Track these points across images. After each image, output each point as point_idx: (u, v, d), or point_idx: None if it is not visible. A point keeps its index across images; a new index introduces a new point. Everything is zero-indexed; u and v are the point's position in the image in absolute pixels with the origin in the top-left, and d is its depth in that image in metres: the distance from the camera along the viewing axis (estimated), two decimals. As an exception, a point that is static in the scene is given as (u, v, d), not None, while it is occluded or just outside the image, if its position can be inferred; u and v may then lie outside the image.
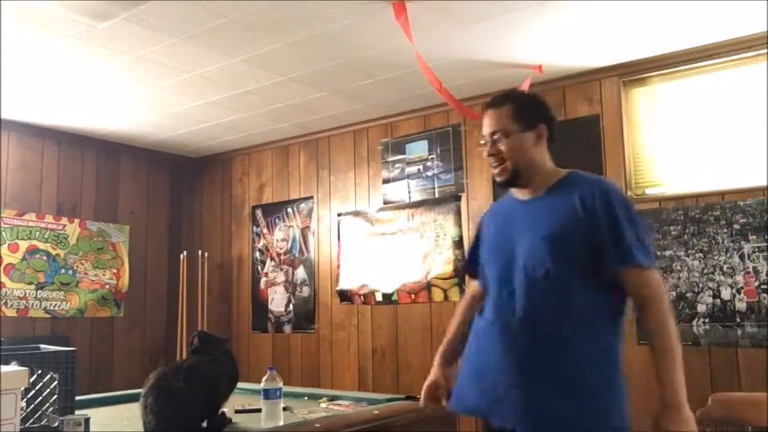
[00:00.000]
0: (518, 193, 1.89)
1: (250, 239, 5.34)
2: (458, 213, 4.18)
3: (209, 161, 5.70)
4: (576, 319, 1.68)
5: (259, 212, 5.31)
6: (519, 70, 3.65)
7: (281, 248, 5.12)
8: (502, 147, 1.83)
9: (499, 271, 1.82)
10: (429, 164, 4.39)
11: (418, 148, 4.45)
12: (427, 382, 2.01)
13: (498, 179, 1.87)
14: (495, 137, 1.85)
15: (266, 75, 3.75)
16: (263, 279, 5.20)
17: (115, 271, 5.14)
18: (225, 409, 2.19)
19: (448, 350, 2.03)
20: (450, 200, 4.24)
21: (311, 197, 4.99)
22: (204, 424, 2.07)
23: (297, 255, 5.01)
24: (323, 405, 2.69)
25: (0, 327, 4.30)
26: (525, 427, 1.64)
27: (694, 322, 3.30)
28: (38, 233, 4.71)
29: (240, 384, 2.27)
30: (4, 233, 4.53)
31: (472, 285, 2.10)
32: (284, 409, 2.31)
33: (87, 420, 1.84)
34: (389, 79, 3.85)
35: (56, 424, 1.92)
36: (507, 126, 1.83)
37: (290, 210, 5.11)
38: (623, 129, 3.66)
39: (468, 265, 2.11)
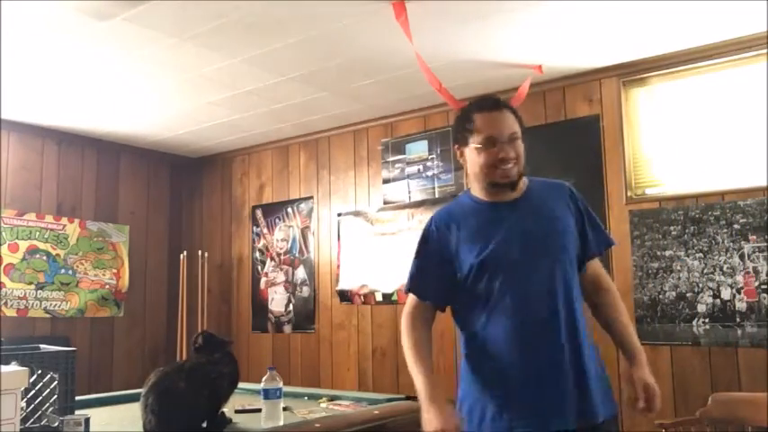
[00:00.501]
0: (492, 197, 1.84)
1: (250, 239, 5.34)
2: (458, 213, 4.17)
3: (209, 161, 5.70)
4: (580, 308, 1.81)
5: (259, 212, 5.31)
6: (519, 70, 3.65)
7: (281, 248, 5.12)
8: (518, 149, 1.80)
9: (513, 273, 1.74)
10: (429, 164, 4.39)
11: (418, 148, 4.46)
12: (449, 427, 1.65)
13: (505, 181, 1.79)
14: (512, 139, 1.80)
15: (266, 75, 3.75)
16: (263, 279, 5.20)
17: (115, 271, 5.14)
18: (225, 410, 2.19)
19: (437, 385, 1.75)
20: (450, 200, 4.22)
21: (311, 197, 4.99)
22: (204, 424, 2.07)
23: (297, 255, 5.01)
24: (323, 405, 2.69)
25: (0, 327, 4.30)
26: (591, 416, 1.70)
27: (694, 322, 3.30)
28: (38, 233, 4.71)
29: (240, 384, 2.27)
30: (4, 233, 4.53)
31: (420, 308, 1.85)
32: (284, 409, 2.32)
33: (87, 420, 1.84)
34: (389, 79, 3.85)
35: (56, 424, 1.92)
36: (518, 129, 1.83)
37: (290, 210, 5.11)
38: (623, 129, 3.66)
39: (419, 284, 1.86)
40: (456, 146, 1.91)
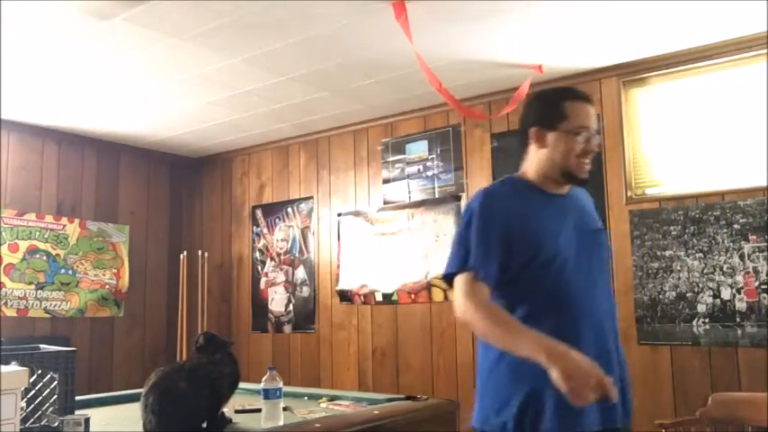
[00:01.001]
0: (548, 187, 1.80)
1: (250, 239, 5.35)
2: (458, 213, 4.18)
3: (209, 161, 5.70)
4: None
5: (259, 212, 5.31)
6: (519, 70, 3.65)
7: (281, 248, 5.12)
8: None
9: (577, 269, 1.70)
10: (429, 164, 4.39)
11: (418, 148, 4.46)
12: (599, 375, 1.48)
13: (583, 175, 1.78)
14: (595, 134, 1.78)
15: (266, 75, 3.74)
16: (263, 279, 5.20)
17: (115, 271, 5.14)
18: (225, 410, 2.19)
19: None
20: (450, 200, 4.24)
21: (311, 197, 4.99)
22: (204, 424, 2.07)
23: (297, 255, 5.01)
24: (323, 405, 2.69)
25: (0, 327, 4.30)
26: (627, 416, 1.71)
27: (694, 322, 3.30)
28: (38, 233, 4.71)
29: (240, 384, 2.27)
30: (4, 233, 4.53)
31: (481, 288, 1.66)
32: (284, 409, 2.32)
33: (87, 420, 1.84)
34: (389, 79, 3.85)
35: (56, 424, 1.92)
36: None
37: (290, 210, 5.11)
38: (623, 129, 3.66)
39: (484, 264, 1.66)
40: (536, 128, 1.79)
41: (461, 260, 1.69)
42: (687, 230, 3.38)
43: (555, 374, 1.46)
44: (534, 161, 1.81)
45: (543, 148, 1.79)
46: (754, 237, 3.19)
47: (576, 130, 1.75)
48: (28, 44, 3.27)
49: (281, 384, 2.21)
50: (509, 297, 1.68)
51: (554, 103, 1.79)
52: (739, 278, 3.21)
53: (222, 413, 2.16)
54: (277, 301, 5.08)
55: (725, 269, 3.25)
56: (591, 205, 1.93)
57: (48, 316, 4.70)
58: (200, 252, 5.28)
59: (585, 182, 1.79)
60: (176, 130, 4.90)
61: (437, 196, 4.32)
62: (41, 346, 2.24)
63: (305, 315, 4.89)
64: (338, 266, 4.73)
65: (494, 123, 4.07)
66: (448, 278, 1.73)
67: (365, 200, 4.69)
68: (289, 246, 5.08)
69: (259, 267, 5.24)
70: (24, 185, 4.69)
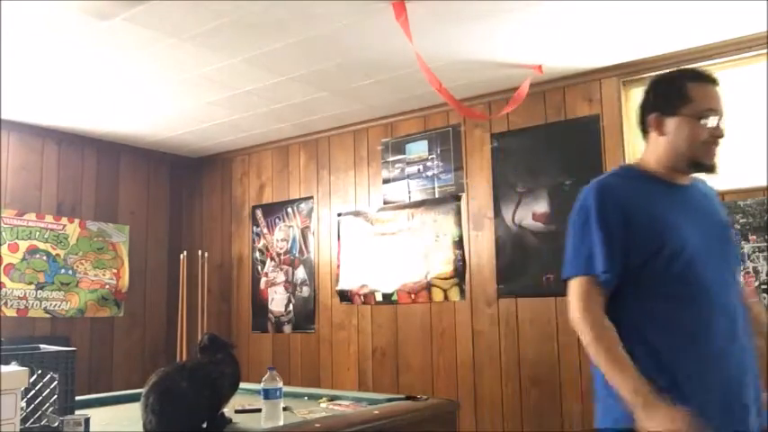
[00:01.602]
0: (671, 177, 1.71)
1: (250, 239, 5.35)
2: (458, 213, 4.18)
3: (209, 161, 5.70)
4: None
5: (259, 212, 5.31)
6: (519, 70, 3.65)
7: (281, 248, 5.12)
8: None
9: (708, 265, 1.59)
10: (429, 164, 4.39)
11: (418, 148, 4.46)
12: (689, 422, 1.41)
13: (711, 162, 1.69)
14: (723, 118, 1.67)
15: (266, 75, 3.75)
16: (263, 279, 5.20)
17: (115, 271, 5.14)
18: (225, 410, 2.19)
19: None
20: (450, 200, 4.24)
21: (311, 197, 4.99)
22: (204, 425, 2.07)
23: (297, 255, 5.01)
24: (323, 405, 2.69)
25: (0, 327, 4.30)
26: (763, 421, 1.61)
27: (694, 322, 3.30)
28: (38, 233, 4.71)
29: (240, 384, 2.27)
30: (4, 233, 4.53)
31: (598, 294, 1.58)
32: (284, 409, 2.32)
33: (87, 420, 1.84)
34: (389, 79, 3.85)
35: (56, 424, 1.92)
36: None
37: (290, 210, 5.11)
38: (623, 129, 3.66)
39: (612, 272, 1.57)
40: (655, 114, 1.70)
41: (582, 263, 1.61)
42: (687, 230, 3.37)
43: (644, 428, 1.42)
44: (655, 150, 1.71)
45: (663, 135, 1.69)
46: (754, 237, 3.19)
47: (701, 114, 1.64)
48: (28, 44, 3.27)
49: (281, 384, 2.21)
50: (634, 295, 1.58)
51: (675, 85, 1.69)
52: (739, 278, 3.20)
53: (222, 413, 2.16)
54: (277, 301, 5.09)
55: (725, 269, 3.25)
56: (715, 197, 1.82)
57: (48, 316, 4.70)
58: (200, 252, 5.28)
59: (715, 169, 1.69)
60: (176, 130, 4.90)
61: (437, 196, 4.32)
62: (41, 346, 2.23)
63: (305, 315, 4.89)
64: (338, 266, 4.73)
65: (494, 123, 4.07)
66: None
67: (365, 200, 4.69)
68: (289, 246, 5.08)
69: (259, 267, 5.24)
70: (24, 185, 4.69)
